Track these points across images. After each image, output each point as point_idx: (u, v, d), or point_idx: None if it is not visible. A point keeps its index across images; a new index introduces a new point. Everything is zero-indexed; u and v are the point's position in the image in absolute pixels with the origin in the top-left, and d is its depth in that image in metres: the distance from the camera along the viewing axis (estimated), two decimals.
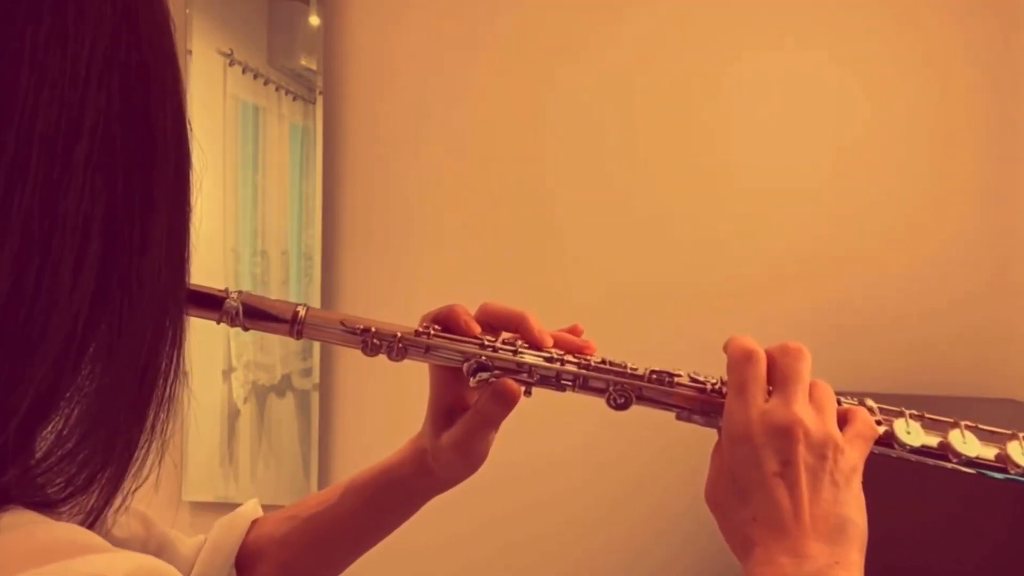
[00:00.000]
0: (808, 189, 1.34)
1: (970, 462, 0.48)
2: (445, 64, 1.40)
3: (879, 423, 0.49)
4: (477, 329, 0.52)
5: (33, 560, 0.26)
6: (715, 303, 1.35)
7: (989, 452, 0.48)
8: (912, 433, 0.48)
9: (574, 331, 0.53)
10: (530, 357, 0.51)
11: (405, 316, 0.55)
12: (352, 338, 0.51)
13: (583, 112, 1.37)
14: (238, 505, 0.62)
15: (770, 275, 1.34)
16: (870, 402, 0.49)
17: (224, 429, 1.42)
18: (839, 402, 0.48)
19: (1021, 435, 0.48)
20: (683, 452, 1.22)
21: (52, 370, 0.30)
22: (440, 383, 0.55)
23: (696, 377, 0.50)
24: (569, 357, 0.51)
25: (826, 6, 1.33)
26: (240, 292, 0.49)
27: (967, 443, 0.48)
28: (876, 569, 0.47)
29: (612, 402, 0.50)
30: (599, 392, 0.51)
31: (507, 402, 0.50)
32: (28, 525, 0.29)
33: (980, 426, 0.49)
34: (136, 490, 0.35)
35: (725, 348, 0.48)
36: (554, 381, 0.51)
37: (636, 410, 0.51)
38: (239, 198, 1.41)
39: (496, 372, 0.50)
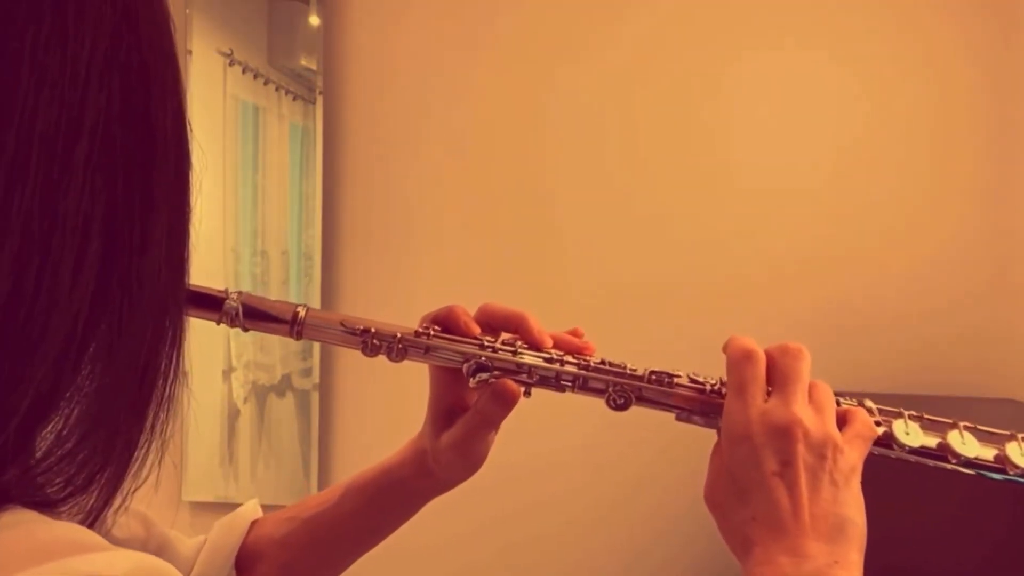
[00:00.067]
0: (808, 189, 1.34)
1: (969, 463, 0.48)
2: (445, 64, 1.40)
3: (878, 424, 0.49)
4: (477, 330, 0.52)
5: (33, 559, 0.26)
6: (715, 303, 1.35)
7: (988, 453, 0.48)
8: (911, 434, 0.49)
9: (575, 334, 0.53)
10: (530, 358, 0.51)
11: (405, 316, 0.55)
12: (352, 339, 0.51)
13: (583, 112, 1.37)
14: (238, 505, 0.62)
15: (770, 275, 1.34)
16: (869, 403, 0.49)
17: (224, 429, 1.42)
18: (838, 403, 0.48)
19: (1020, 436, 0.49)
20: (683, 453, 1.22)
21: (52, 370, 0.30)
22: (440, 384, 0.55)
23: (695, 378, 0.50)
24: (569, 358, 0.51)
25: (826, 6, 1.33)
26: (240, 293, 0.49)
27: (966, 444, 0.48)
28: (876, 569, 0.47)
29: (612, 403, 0.50)
30: (599, 393, 0.51)
31: (507, 402, 0.50)
32: (28, 524, 0.29)
33: (979, 427, 0.49)
34: (136, 490, 0.35)
35: (724, 348, 0.48)
36: (554, 382, 0.51)
37: (635, 411, 0.51)
38: (239, 198, 1.41)
39: (496, 373, 0.50)
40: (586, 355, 0.51)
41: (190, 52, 1.38)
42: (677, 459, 1.31)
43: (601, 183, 1.38)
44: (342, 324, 0.51)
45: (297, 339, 0.50)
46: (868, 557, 0.43)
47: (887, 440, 0.48)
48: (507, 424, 0.53)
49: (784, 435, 0.44)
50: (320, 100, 1.39)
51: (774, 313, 1.34)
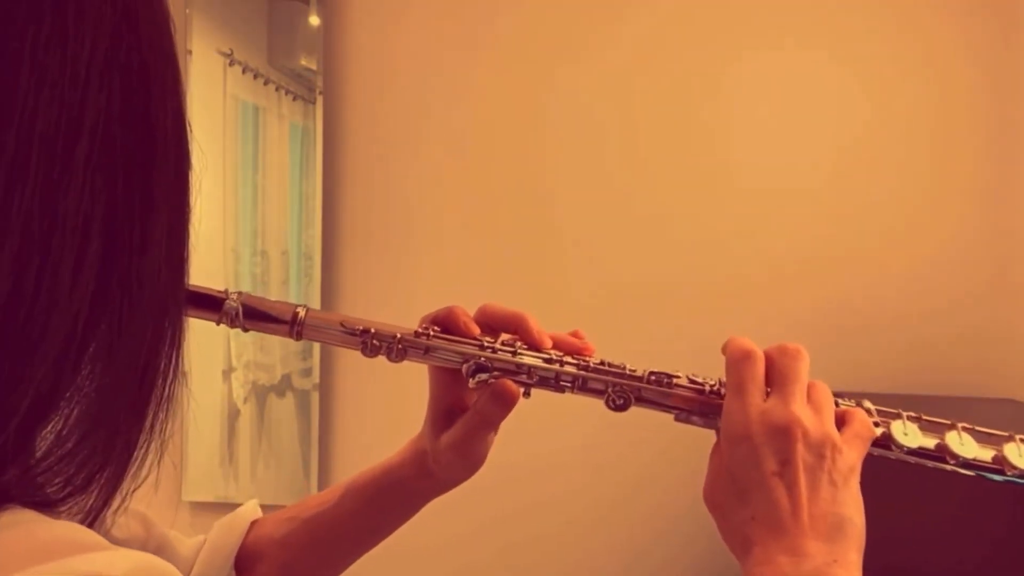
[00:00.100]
0: (808, 189, 1.34)
1: (967, 464, 0.48)
2: (445, 64, 1.40)
3: (876, 425, 0.49)
4: (476, 330, 0.52)
5: (32, 558, 0.27)
6: (715, 303, 1.35)
7: (986, 454, 0.48)
8: (909, 435, 0.49)
9: (575, 335, 0.53)
10: (529, 358, 0.51)
11: (405, 316, 0.55)
12: (352, 339, 0.51)
13: (583, 112, 1.37)
14: (238, 505, 0.62)
15: (770, 275, 1.34)
16: (868, 404, 0.50)
17: (224, 429, 1.42)
18: (837, 404, 0.48)
19: (1018, 437, 0.49)
20: (682, 453, 1.22)
21: (52, 370, 0.30)
22: (439, 384, 0.55)
23: (694, 379, 0.50)
24: (568, 358, 0.51)
25: (826, 6, 1.33)
26: (240, 293, 0.49)
27: (964, 445, 0.48)
28: (876, 569, 0.47)
29: (611, 403, 0.50)
30: (598, 393, 0.51)
31: (506, 403, 0.50)
32: (28, 524, 0.29)
33: (977, 428, 0.49)
34: (135, 490, 0.35)
35: (723, 349, 0.48)
36: (553, 382, 0.51)
37: (635, 411, 0.51)
38: (239, 198, 1.41)
39: (495, 373, 0.50)
40: (586, 356, 0.51)
41: (190, 52, 1.38)
42: (676, 459, 1.31)
43: (601, 183, 1.38)
44: (342, 324, 0.51)
45: (297, 339, 0.50)
46: (868, 557, 0.44)
47: (886, 441, 0.49)
48: (506, 424, 0.53)
49: (783, 435, 0.44)
50: (320, 100, 1.39)
51: (774, 313, 1.34)
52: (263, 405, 1.42)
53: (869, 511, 0.45)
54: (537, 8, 1.38)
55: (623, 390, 0.50)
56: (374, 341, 0.50)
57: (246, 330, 0.49)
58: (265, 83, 1.41)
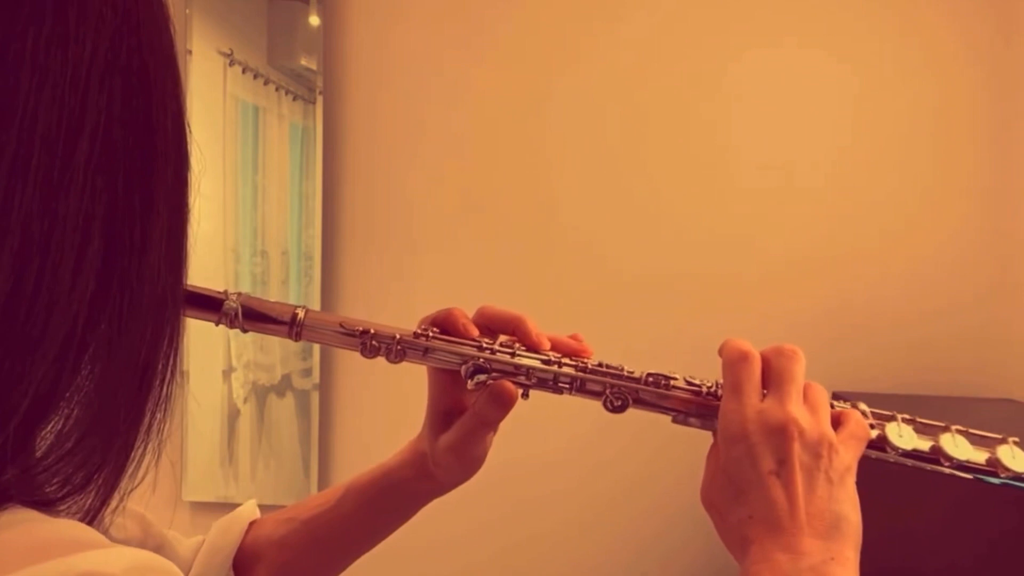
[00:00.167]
0: (808, 189, 1.34)
1: (961, 466, 0.48)
2: (445, 64, 1.40)
3: (872, 427, 0.49)
4: (475, 332, 0.52)
5: (32, 557, 0.27)
6: (715, 303, 1.35)
7: (980, 456, 0.49)
8: (904, 437, 0.49)
9: (574, 338, 0.53)
10: (527, 360, 0.51)
11: (405, 316, 0.55)
12: (351, 340, 0.51)
13: (583, 112, 1.37)
14: (238, 505, 0.62)
15: (770, 275, 1.34)
16: (863, 406, 0.50)
17: (224, 429, 1.42)
18: (832, 406, 0.48)
19: (1011, 439, 0.49)
20: (679, 453, 1.23)
21: (52, 369, 0.30)
22: (438, 386, 0.55)
23: (692, 380, 0.51)
24: (566, 360, 0.51)
25: (826, 6, 1.33)
26: (239, 294, 0.49)
27: (958, 447, 0.49)
28: (872, 571, 0.47)
29: (609, 405, 0.50)
30: (596, 395, 0.51)
31: (504, 404, 0.50)
32: (28, 523, 0.29)
33: (971, 430, 0.50)
34: (132, 490, 0.35)
35: (720, 351, 0.49)
36: (551, 384, 0.51)
37: (632, 412, 0.51)
38: (239, 198, 1.41)
39: (494, 374, 0.50)
40: (584, 358, 0.52)
41: (190, 52, 1.38)
42: (673, 459, 1.31)
43: (601, 183, 1.38)
44: (341, 325, 0.51)
45: (296, 340, 0.50)
46: (865, 558, 0.44)
47: (881, 443, 0.49)
48: (504, 424, 0.53)
49: (780, 434, 0.44)
50: (320, 100, 1.39)
51: (774, 313, 1.34)
52: (263, 405, 1.42)
53: (866, 512, 0.45)
54: (537, 7, 1.38)
55: (621, 392, 0.50)
56: (373, 342, 0.50)
57: (245, 331, 0.49)
58: (265, 83, 1.41)
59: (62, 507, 0.32)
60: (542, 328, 0.52)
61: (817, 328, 1.33)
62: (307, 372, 1.42)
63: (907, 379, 1.31)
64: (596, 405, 0.51)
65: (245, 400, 1.42)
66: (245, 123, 1.42)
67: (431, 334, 0.51)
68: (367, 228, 1.41)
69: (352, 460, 1.41)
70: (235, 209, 1.41)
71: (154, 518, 0.55)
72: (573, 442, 1.36)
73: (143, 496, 0.36)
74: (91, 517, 0.33)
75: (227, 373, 1.42)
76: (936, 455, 0.49)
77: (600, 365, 0.51)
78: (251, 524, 0.61)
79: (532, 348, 0.51)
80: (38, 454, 0.31)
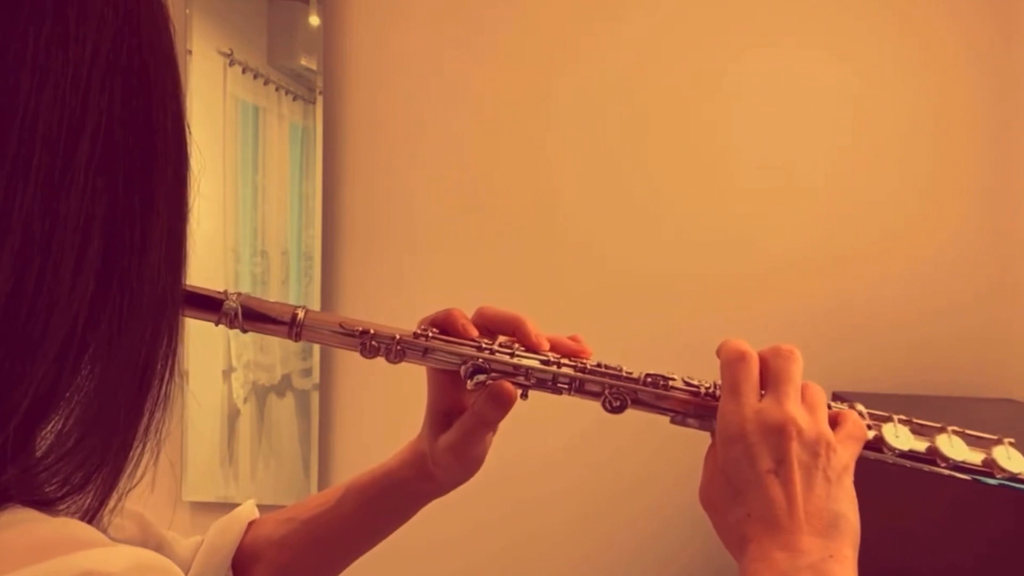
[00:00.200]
0: (808, 189, 1.34)
1: (957, 466, 0.49)
2: (445, 64, 1.40)
3: (868, 427, 0.49)
4: (475, 332, 0.52)
5: (32, 556, 0.27)
6: (716, 303, 1.35)
7: (975, 457, 0.49)
8: (901, 437, 0.49)
9: (573, 339, 0.53)
10: (527, 360, 0.51)
11: (405, 316, 0.55)
12: (350, 340, 0.51)
13: (583, 112, 1.37)
14: (238, 505, 0.62)
15: (770, 275, 1.34)
16: (860, 407, 0.50)
17: (224, 429, 1.42)
18: (829, 406, 0.48)
19: (1007, 440, 0.49)
20: (678, 453, 1.23)
21: (52, 369, 0.30)
22: (437, 387, 0.55)
23: (690, 381, 0.51)
24: (565, 361, 0.51)
25: (827, 7, 1.33)
26: (239, 294, 0.49)
27: (954, 447, 0.49)
28: (872, 571, 0.47)
29: (608, 405, 0.50)
30: (595, 396, 0.51)
31: (503, 404, 0.50)
32: (28, 522, 0.29)
33: (967, 431, 0.50)
34: (130, 490, 0.35)
35: (718, 352, 0.49)
36: (550, 384, 0.51)
37: (631, 412, 0.51)
38: (239, 198, 1.41)
39: (493, 375, 0.50)
40: (583, 359, 0.52)
41: (190, 52, 1.38)
42: (672, 460, 1.32)
43: (601, 183, 1.38)
44: (340, 326, 0.51)
45: (296, 340, 0.50)
46: (866, 558, 0.44)
47: (877, 444, 0.49)
48: (503, 424, 0.53)
49: (778, 433, 0.44)
50: (320, 100, 1.39)
51: (775, 313, 1.34)
52: (263, 405, 1.42)
53: (866, 513, 0.45)
54: (537, 7, 1.38)
55: (620, 392, 0.50)
56: (373, 342, 0.50)
57: (245, 331, 0.49)
58: (265, 83, 1.41)
59: (61, 506, 0.32)
60: (541, 329, 0.52)
61: (817, 328, 1.33)
62: (307, 372, 1.42)
63: (907, 379, 1.31)
64: (595, 405, 0.51)
65: (245, 400, 1.42)
66: (245, 123, 1.42)
67: (430, 334, 0.51)
68: (367, 228, 1.41)
69: (352, 460, 1.41)
70: (235, 209, 1.41)
71: (153, 518, 0.55)
72: (572, 442, 1.36)
73: (141, 495, 0.36)
74: (90, 516, 0.33)
75: (227, 373, 1.42)
76: (932, 456, 0.49)
77: (599, 366, 0.51)
78: (250, 524, 0.61)
79: (531, 349, 0.51)
80: (38, 454, 0.31)
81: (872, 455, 0.49)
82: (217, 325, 0.49)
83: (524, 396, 0.51)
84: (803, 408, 0.46)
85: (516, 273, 1.38)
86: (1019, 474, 0.48)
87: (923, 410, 0.52)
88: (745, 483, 0.44)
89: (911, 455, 0.49)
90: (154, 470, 0.35)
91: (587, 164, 1.38)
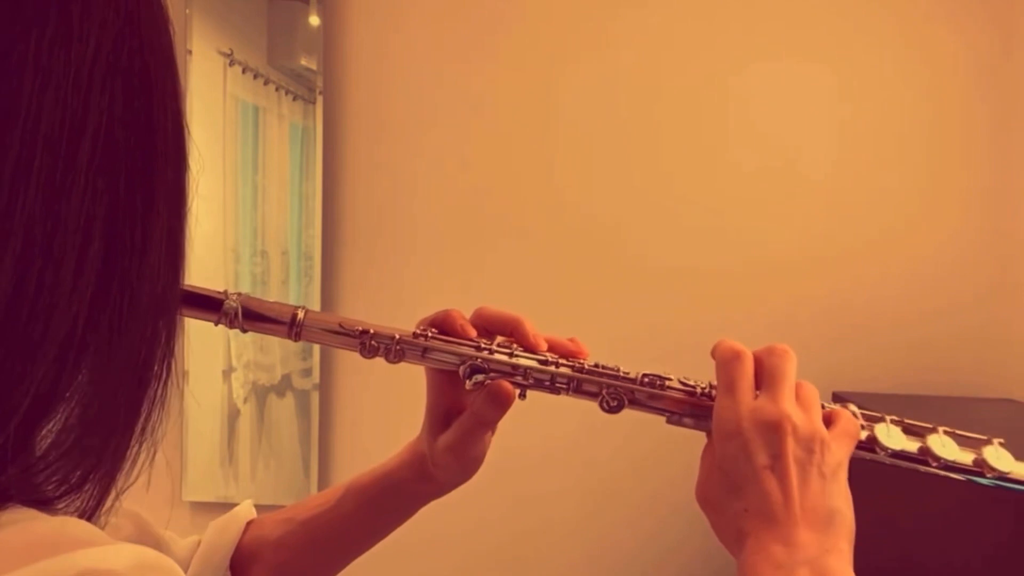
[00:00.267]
0: (809, 189, 1.34)
1: (949, 466, 0.49)
2: (445, 63, 1.40)
3: (861, 427, 0.50)
4: (473, 333, 0.52)
5: (33, 555, 0.27)
6: (716, 303, 1.35)
7: (967, 457, 0.50)
8: (893, 437, 0.50)
9: (571, 342, 0.54)
10: (525, 360, 0.51)
11: (405, 316, 0.55)
12: (350, 340, 0.51)
13: (584, 111, 1.38)
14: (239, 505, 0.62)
15: (771, 275, 1.34)
16: (852, 407, 0.51)
17: (224, 429, 1.42)
18: (823, 406, 0.49)
19: (996, 440, 0.50)
20: (674, 451, 1.23)
21: (53, 369, 0.30)
22: (436, 387, 0.55)
23: (686, 381, 0.51)
24: (563, 361, 0.51)
25: (829, 11, 1.33)
26: (239, 294, 0.49)
27: (945, 447, 0.49)
28: (873, 571, 0.47)
29: (605, 405, 0.51)
30: (592, 396, 0.51)
31: (502, 403, 0.51)
32: (28, 521, 0.29)
33: (958, 432, 0.51)
34: (127, 489, 0.35)
35: (713, 352, 0.49)
36: (548, 384, 0.51)
37: (628, 411, 0.52)
38: (239, 198, 1.41)
39: (491, 375, 0.51)
40: (580, 359, 0.52)
41: (190, 52, 1.38)
42: (669, 459, 1.32)
43: (602, 183, 1.38)
44: (340, 326, 0.51)
45: (296, 340, 0.50)
46: (866, 558, 0.44)
47: (870, 444, 0.50)
48: (501, 424, 0.53)
49: (774, 430, 0.45)
50: (320, 100, 1.39)
51: (775, 312, 1.34)
52: (263, 405, 1.42)
53: (866, 513, 0.45)
54: (538, 8, 1.39)
55: (617, 392, 0.50)
56: (372, 342, 0.51)
57: (245, 331, 0.49)
58: (265, 83, 1.41)
59: (60, 505, 0.32)
60: (540, 330, 0.53)
61: (817, 328, 1.33)
62: (307, 372, 1.42)
63: (907, 379, 1.31)
64: (592, 405, 0.52)
65: (245, 400, 1.42)
66: (245, 123, 1.42)
67: (429, 334, 0.51)
68: (367, 228, 1.41)
69: (352, 460, 1.41)
70: (235, 209, 1.41)
71: (150, 518, 0.55)
72: (569, 442, 1.36)
73: (138, 495, 0.36)
74: (88, 516, 0.33)
75: (227, 373, 1.42)
76: (924, 456, 0.50)
77: (596, 366, 0.51)
78: (248, 524, 0.61)
79: (529, 349, 0.52)
80: (37, 453, 0.31)
81: (865, 455, 0.50)
82: (217, 325, 0.49)
83: (522, 396, 0.51)
84: (798, 406, 0.46)
85: (515, 273, 1.39)
86: (1008, 473, 0.48)
87: (923, 410, 0.53)
88: (742, 479, 0.45)
89: (903, 455, 0.49)
90: (150, 470, 0.35)
91: (587, 164, 1.38)
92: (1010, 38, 1.30)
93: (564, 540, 1.38)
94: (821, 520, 0.43)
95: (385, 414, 1.39)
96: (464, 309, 0.54)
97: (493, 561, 1.39)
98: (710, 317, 1.34)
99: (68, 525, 0.30)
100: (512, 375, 0.51)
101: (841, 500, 0.44)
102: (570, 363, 0.51)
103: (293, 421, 1.42)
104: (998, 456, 0.49)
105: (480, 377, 0.50)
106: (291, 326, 0.50)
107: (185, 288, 0.45)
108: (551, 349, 0.52)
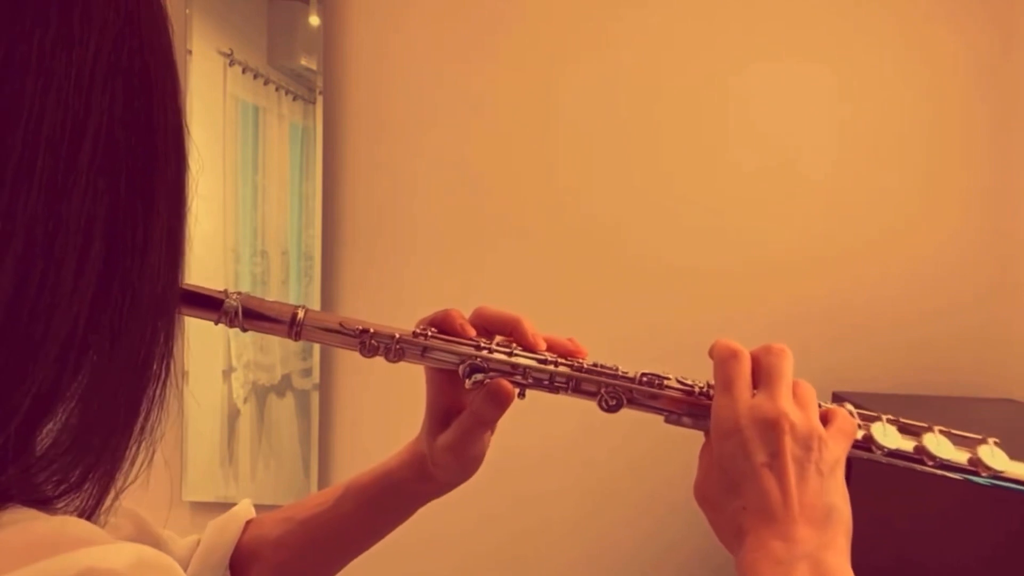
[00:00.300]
0: (809, 189, 1.34)
1: (945, 465, 0.50)
2: (445, 63, 1.40)
3: (857, 427, 0.50)
4: (472, 332, 0.52)
5: (34, 554, 0.27)
6: (716, 303, 1.35)
7: (962, 456, 0.50)
8: (888, 436, 0.50)
9: (570, 342, 0.54)
10: (524, 359, 0.51)
11: (405, 316, 0.55)
12: (350, 340, 0.51)
13: (584, 111, 1.38)
14: None
15: (771, 275, 1.34)
16: (848, 406, 0.51)
17: (224, 429, 1.42)
18: (820, 405, 0.49)
19: (991, 440, 0.50)
20: (672, 450, 1.23)
21: (53, 370, 0.30)
22: (436, 387, 0.55)
23: (684, 380, 0.51)
24: (562, 360, 0.51)
25: (829, 10, 1.33)
26: (239, 293, 0.49)
27: (941, 446, 0.50)
28: (873, 570, 0.47)
29: (604, 404, 0.51)
30: (591, 395, 0.51)
31: (501, 402, 0.51)
32: (28, 521, 0.29)
33: (953, 431, 0.51)
34: (126, 488, 0.35)
35: (711, 352, 0.50)
36: (547, 383, 0.51)
37: (627, 411, 0.52)
38: (239, 198, 1.41)
39: (491, 374, 0.51)
40: (579, 359, 0.52)
41: (190, 52, 1.38)
42: (666, 457, 1.32)
43: (603, 183, 1.38)
44: (340, 325, 0.51)
45: (296, 340, 0.50)
46: (866, 557, 0.44)
47: (866, 443, 0.50)
48: (500, 423, 0.53)
49: (772, 427, 0.45)
50: (320, 100, 1.39)
51: (775, 312, 1.34)
52: (263, 405, 1.42)
53: (867, 513, 0.45)
54: (538, 8, 1.39)
55: (615, 391, 0.51)
56: (372, 341, 0.51)
57: (245, 330, 0.49)
58: (265, 83, 1.41)
59: (59, 504, 0.32)
60: (540, 330, 0.53)
61: (817, 328, 1.33)
62: (307, 372, 1.42)
63: (907, 379, 1.31)
64: (591, 405, 0.52)
65: (245, 400, 1.42)
66: (245, 123, 1.42)
67: (429, 334, 0.51)
68: (367, 228, 1.41)
69: (352, 460, 1.41)
70: (235, 209, 1.41)
71: (149, 517, 0.55)
72: (568, 441, 1.36)
73: (136, 494, 0.36)
74: (87, 515, 0.33)
75: (227, 373, 1.42)
76: (920, 455, 0.50)
77: (595, 365, 0.51)
78: (248, 523, 0.61)
79: (529, 348, 0.52)
80: (38, 453, 0.31)
81: (862, 454, 0.50)
82: (217, 324, 0.49)
83: (521, 395, 0.52)
84: (795, 404, 0.46)
85: (515, 273, 1.39)
86: (1003, 472, 0.49)
87: (923, 410, 0.53)
88: (741, 476, 0.45)
89: (899, 454, 0.50)
90: (149, 469, 0.35)
91: (587, 164, 1.38)
92: (1010, 38, 1.30)
93: (563, 539, 1.38)
94: (819, 516, 0.44)
95: (385, 414, 1.39)
96: (464, 309, 0.54)
97: (492, 560, 1.39)
98: (710, 317, 1.34)
99: (68, 524, 0.30)
100: (511, 374, 0.51)
101: (838, 497, 0.45)
102: (569, 362, 0.51)
103: (293, 421, 1.42)
104: (993, 455, 0.49)
105: (479, 376, 0.50)
106: (291, 325, 0.50)
107: (185, 287, 0.45)
108: (550, 348, 0.52)
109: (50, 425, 0.31)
